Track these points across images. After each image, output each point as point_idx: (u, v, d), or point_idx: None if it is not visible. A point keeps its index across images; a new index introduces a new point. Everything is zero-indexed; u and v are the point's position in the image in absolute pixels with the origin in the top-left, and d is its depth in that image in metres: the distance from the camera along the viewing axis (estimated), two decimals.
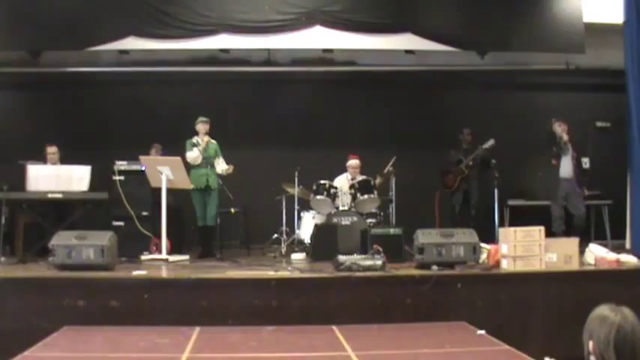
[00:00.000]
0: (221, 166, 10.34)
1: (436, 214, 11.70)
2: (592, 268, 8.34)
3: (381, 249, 8.23)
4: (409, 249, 9.10)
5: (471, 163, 11.53)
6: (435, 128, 12.33)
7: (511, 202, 12.32)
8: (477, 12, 11.55)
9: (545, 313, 7.65)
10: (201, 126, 10.30)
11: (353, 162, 11.29)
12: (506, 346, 6.10)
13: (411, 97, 13.00)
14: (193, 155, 10.17)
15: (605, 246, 9.11)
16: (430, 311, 7.43)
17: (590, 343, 3.10)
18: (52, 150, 10.57)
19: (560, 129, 10.62)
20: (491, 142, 11.31)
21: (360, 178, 11.05)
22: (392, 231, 9.62)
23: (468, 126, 11.82)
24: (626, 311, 3.11)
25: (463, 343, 6.42)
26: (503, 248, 8.15)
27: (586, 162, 12.22)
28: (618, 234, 11.72)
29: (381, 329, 7.02)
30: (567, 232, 10.20)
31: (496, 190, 10.95)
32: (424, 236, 8.24)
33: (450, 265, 8.07)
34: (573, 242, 8.39)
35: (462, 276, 7.79)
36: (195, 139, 10.30)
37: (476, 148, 11.52)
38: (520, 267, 7.95)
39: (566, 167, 10.70)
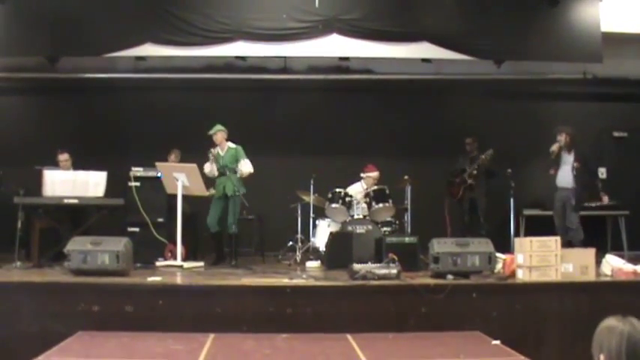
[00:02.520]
0: (241, 168, 10.22)
1: (447, 222, 11.65)
2: (609, 278, 8.28)
3: (396, 258, 8.20)
4: (424, 258, 9.07)
5: (475, 172, 11.51)
6: (451, 137, 12.26)
7: (526, 212, 12.28)
8: (494, 21, 11.51)
9: (561, 324, 7.60)
10: (214, 136, 10.32)
11: (375, 174, 11.23)
12: (522, 357, 6.05)
13: (427, 106, 12.98)
14: (206, 170, 10.20)
15: (622, 257, 9.06)
16: (445, 320, 7.40)
17: (601, 357, 3.07)
18: (63, 157, 10.61)
19: (558, 137, 10.56)
20: (489, 152, 11.33)
21: (372, 187, 11.04)
22: (407, 240, 9.57)
23: (470, 136, 11.78)
24: (634, 320, 3.08)
25: (478, 353, 6.38)
26: (519, 258, 8.11)
27: (603, 172, 12.18)
28: (635, 244, 11.66)
29: (395, 338, 7.00)
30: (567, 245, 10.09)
31: (512, 200, 10.90)
32: (439, 245, 8.21)
33: (465, 275, 8.03)
34: (590, 253, 8.31)
35: (477, 286, 7.75)
36: (216, 150, 10.32)
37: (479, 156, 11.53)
38: (536, 277, 7.91)
39: (563, 176, 10.59)
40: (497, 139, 11.77)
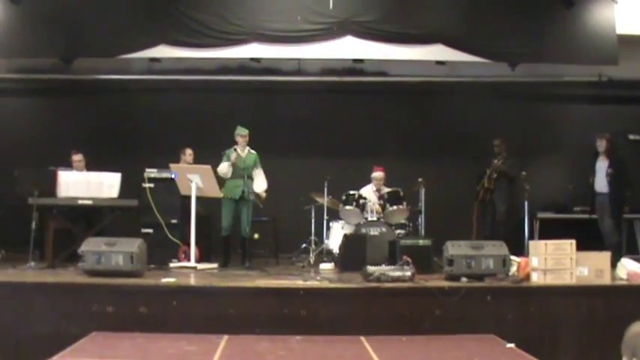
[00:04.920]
0: (259, 183, 10.25)
1: (474, 225, 11.67)
2: (624, 282, 8.23)
3: (410, 260, 8.17)
4: (438, 260, 9.04)
5: (495, 175, 11.50)
6: (465, 139, 12.26)
7: (541, 215, 12.22)
8: (509, 23, 11.48)
9: (576, 328, 7.58)
10: (242, 137, 10.33)
11: (377, 174, 11.28)
12: None
13: (441, 108, 12.93)
14: (223, 170, 10.12)
15: (638, 260, 8.98)
16: (459, 323, 7.38)
17: None
18: (77, 158, 10.66)
19: (598, 143, 10.64)
20: (502, 156, 11.44)
21: (385, 189, 11.03)
22: (421, 242, 9.52)
23: (499, 138, 11.73)
24: None
25: (492, 356, 6.38)
26: (534, 261, 8.07)
27: None
28: None
29: (409, 340, 6.99)
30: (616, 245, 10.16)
31: (526, 203, 10.85)
32: (454, 248, 8.20)
33: (480, 278, 8.00)
34: (605, 256, 8.26)
35: (491, 288, 7.73)
36: (233, 149, 10.31)
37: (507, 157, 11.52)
38: (550, 280, 7.87)
39: (599, 182, 10.65)
40: (511, 141, 11.72)
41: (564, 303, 7.69)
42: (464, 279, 7.93)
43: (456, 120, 12.71)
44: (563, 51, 11.40)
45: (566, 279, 7.89)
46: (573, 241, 8.07)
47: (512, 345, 6.67)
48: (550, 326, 7.54)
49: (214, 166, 9.99)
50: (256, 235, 10.37)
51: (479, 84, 12.94)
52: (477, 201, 11.75)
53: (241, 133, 10.27)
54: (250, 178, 10.22)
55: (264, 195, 10.31)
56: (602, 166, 10.62)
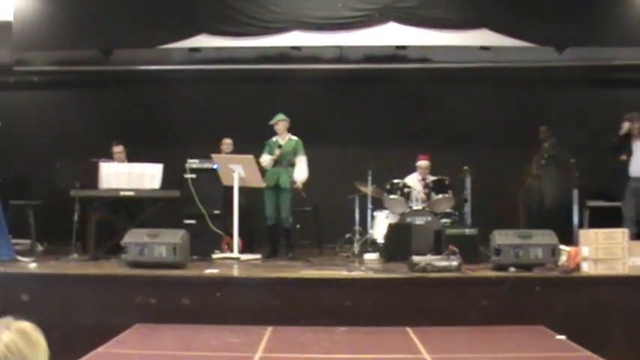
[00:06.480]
0: (298, 172, 10.18)
1: (519, 213, 11.51)
2: None
3: (456, 249, 8.03)
4: (485, 250, 8.89)
5: (543, 162, 11.28)
6: (511, 126, 12.04)
7: (591, 203, 11.96)
8: (555, 6, 11.24)
9: (628, 320, 7.33)
10: (275, 126, 10.23)
11: (423, 163, 11.13)
12: (588, 352, 5.87)
13: (486, 95, 12.72)
14: (264, 163, 10.11)
15: None
16: (506, 314, 7.22)
17: None
18: (118, 149, 10.72)
19: (626, 124, 10.28)
20: (552, 141, 11.17)
21: (431, 178, 10.88)
22: (467, 231, 9.40)
23: (545, 124, 11.50)
24: None
25: (542, 348, 6.23)
26: (584, 251, 7.87)
27: None
28: None
29: (456, 331, 6.86)
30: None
31: (575, 191, 10.62)
32: (501, 237, 8.02)
33: (528, 267, 7.81)
34: None
35: (540, 278, 7.54)
36: (274, 139, 10.26)
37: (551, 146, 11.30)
38: (601, 270, 7.67)
39: (636, 165, 10.27)
40: (559, 127, 11.48)
41: (616, 294, 7.46)
42: (512, 269, 7.76)
43: (502, 106, 12.52)
44: (614, 34, 11.14)
45: (618, 269, 7.68)
46: (625, 230, 7.90)
47: (562, 337, 6.49)
48: (601, 318, 7.32)
49: (255, 156, 9.93)
50: (297, 226, 10.28)
51: (525, 69, 12.71)
52: (524, 189, 11.58)
53: (277, 119, 10.20)
54: (291, 165, 10.15)
55: (300, 186, 10.19)
56: (638, 146, 10.27)
